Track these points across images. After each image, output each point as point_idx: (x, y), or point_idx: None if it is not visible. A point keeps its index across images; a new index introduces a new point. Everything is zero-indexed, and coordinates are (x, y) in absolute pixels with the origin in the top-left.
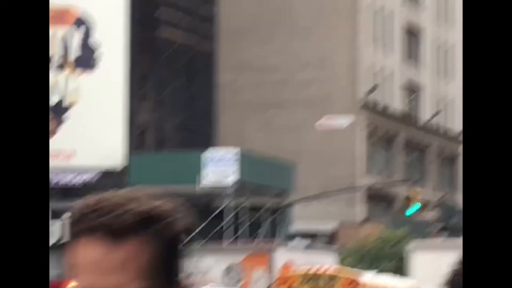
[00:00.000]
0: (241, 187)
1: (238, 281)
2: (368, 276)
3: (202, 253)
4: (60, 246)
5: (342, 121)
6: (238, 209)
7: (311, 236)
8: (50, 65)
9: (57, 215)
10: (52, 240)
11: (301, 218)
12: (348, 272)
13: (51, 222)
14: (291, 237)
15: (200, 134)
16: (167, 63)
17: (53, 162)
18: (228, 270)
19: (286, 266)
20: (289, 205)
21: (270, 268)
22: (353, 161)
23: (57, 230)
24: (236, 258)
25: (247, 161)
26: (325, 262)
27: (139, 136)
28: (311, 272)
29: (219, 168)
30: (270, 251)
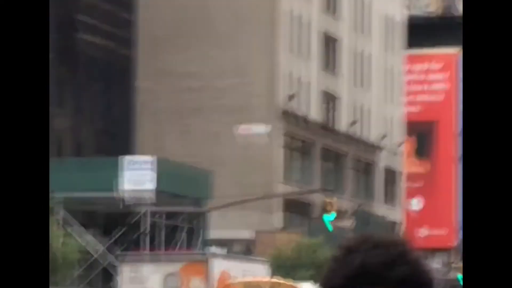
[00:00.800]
0: (158, 194)
1: None
2: (305, 286)
3: (140, 261)
4: None
5: (260, 129)
6: (155, 216)
7: (228, 244)
8: None
9: None
10: None
11: (218, 226)
12: (288, 282)
13: None
14: (208, 245)
15: (118, 141)
16: (85, 68)
17: None
18: (167, 279)
19: (223, 275)
20: (206, 212)
21: (207, 277)
22: (271, 169)
23: None
24: (173, 267)
25: (164, 168)
26: (258, 271)
27: (56, 142)
28: (253, 281)
29: (136, 175)
30: (207, 260)
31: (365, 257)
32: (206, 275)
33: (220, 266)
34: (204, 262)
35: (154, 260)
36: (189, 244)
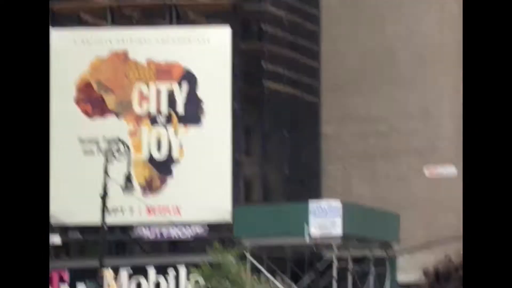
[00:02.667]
0: (345, 239)
1: None
2: None
3: None
4: None
5: (447, 170)
6: (342, 262)
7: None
8: (158, 120)
9: (167, 268)
10: None
11: (407, 269)
12: None
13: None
14: None
15: (306, 186)
16: (272, 115)
17: (159, 217)
18: None
19: None
20: (394, 256)
21: None
22: (460, 211)
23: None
24: None
25: (351, 213)
26: None
27: (245, 189)
28: None
29: (323, 220)
30: None
31: None
32: None
33: None
34: None
35: None
36: None
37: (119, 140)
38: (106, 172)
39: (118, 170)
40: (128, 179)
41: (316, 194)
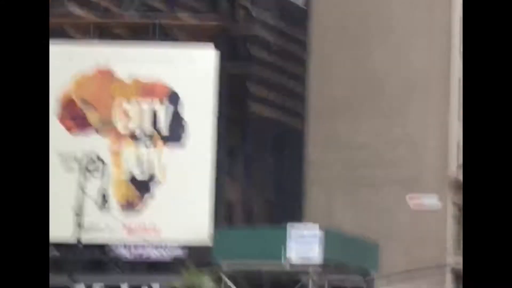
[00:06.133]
0: (324, 264)
1: None
2: None
3: None
4: None
5: (431, 200)
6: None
7: None
8: (140, 139)
9: None
10: None
11: None
12: None
13: None
14: None
15: (287, 210)
16: (256, 138)
17: (138, 237)
18: None
19: None
20: (372, 284)
21: None
22: (442, 242)
23: None
24: None
25: (331, 239)
26: None
27: (226, 212)
28: None
29: (303, 244)
30: None
31: None
32: None
33: None
34: None
35: None
36: None
37: (96, 156)
38: (81, 189)
39: (98, 187)
40: (104, 196)
41: (298, 219)
